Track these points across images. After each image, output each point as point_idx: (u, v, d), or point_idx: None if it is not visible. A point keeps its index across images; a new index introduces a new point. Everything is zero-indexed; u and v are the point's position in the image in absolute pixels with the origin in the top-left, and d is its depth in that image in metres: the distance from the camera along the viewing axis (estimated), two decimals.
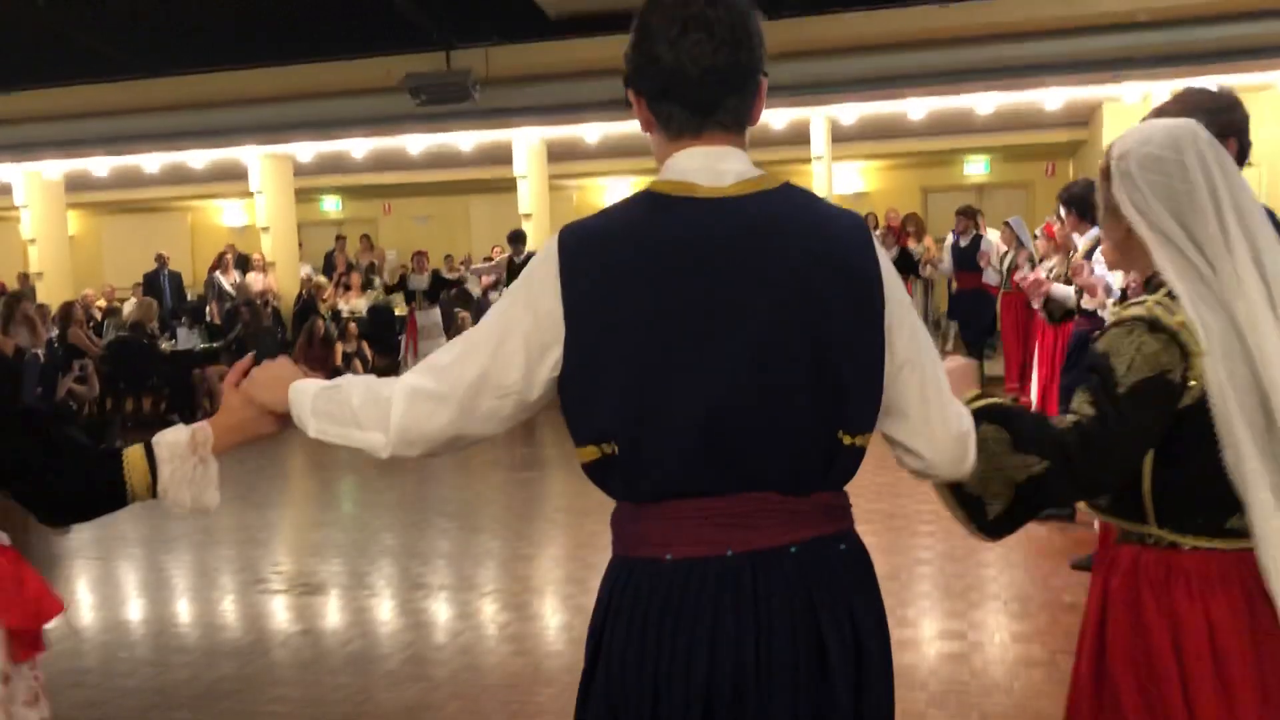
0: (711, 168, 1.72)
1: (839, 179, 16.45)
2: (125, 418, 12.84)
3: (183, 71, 14.73)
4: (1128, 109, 13.75)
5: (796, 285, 1.66)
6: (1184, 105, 2.84)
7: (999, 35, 12.76)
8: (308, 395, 1.86)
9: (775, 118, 14.59)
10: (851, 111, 14.56)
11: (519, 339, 1.69)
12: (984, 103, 13.80)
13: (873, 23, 13.34)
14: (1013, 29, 12.72)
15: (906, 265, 12.26)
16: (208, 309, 15.93)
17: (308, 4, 14.00)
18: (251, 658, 5.01)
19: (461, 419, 1.73)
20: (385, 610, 5.76)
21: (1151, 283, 2.03)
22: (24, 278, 17.08)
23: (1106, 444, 1.84)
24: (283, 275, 16.18)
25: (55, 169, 17.15)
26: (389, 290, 15.53)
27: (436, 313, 14.33)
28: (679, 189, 1.71)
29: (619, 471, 1.71)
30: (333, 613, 5.74)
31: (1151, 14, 12.34)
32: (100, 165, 16.91)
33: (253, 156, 16.06)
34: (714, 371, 1.64)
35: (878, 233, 12.75)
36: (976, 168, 18.16)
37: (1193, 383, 1.83)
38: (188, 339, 13.87)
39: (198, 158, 16.54)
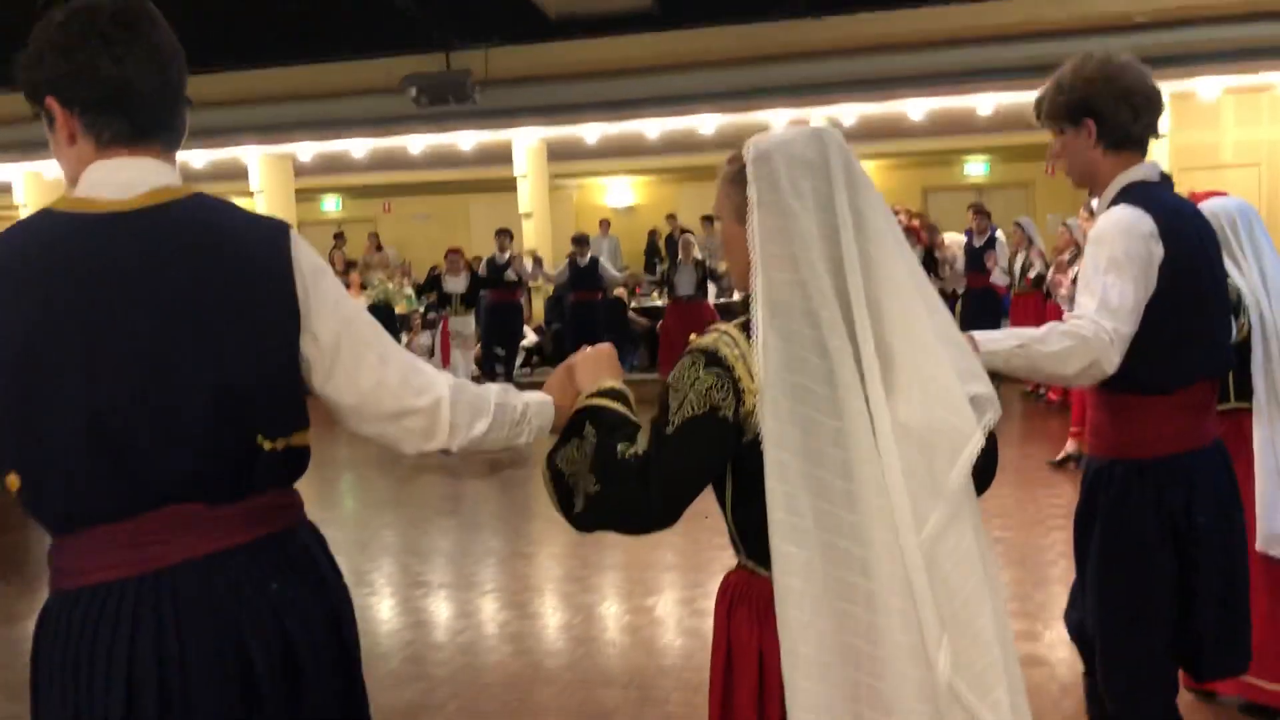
0: (124, 180, 1.71)
1: None
2: None
3: None
4: None
5: (190, 301, 1.65)
6: (1049, 81, 2.78)
7: (999, 37, 12.77)
8: None
9: (775, 119, 14.60)
10: (851, 112, 14.57)
11: None
12: (984, 103, 13.81)
13: (872, 24, 13.34)
14: (1012, 30, 12.73)
15: (929, 267, 12.16)
16: None
17: (308, 4, 14.00)
18: None
19: None
20: (385, 609, 5.76)
21: None
22: None
23: (652, 481, 1.79)
24: None
25: (54, 168, 17.13)
26: (420, 292, 14.32)
27: (472, 320, 13.01)
28: (77, 205, 1.70)
29: (29, 502, 1.67)
30: None
31: (1150, 15, 12.36)
32: None
33: (253, 156, 16.08)
34: (106, 393, 1.62)
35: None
36: (977, 168, 18.19)
37: (751, 417, 1.79)
38: None
39: (197, 157, 16.52)
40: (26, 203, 17.18)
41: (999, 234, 12.16)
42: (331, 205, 20.93)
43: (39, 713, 1.73)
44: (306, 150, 16.30)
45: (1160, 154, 13.49)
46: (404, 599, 5.89)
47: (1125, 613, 2.71)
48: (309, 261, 1.77)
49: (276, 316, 1.71)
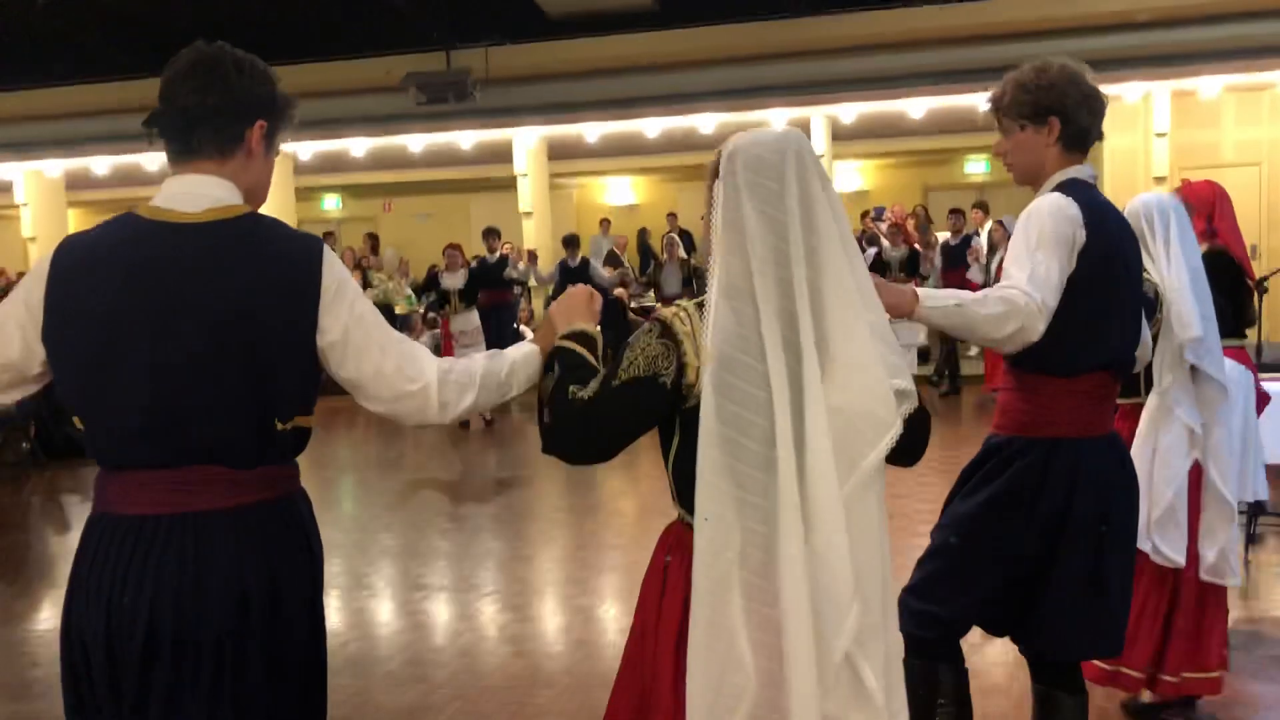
0: (190, 193, 2.11)
1: (839, 177, 16.44)
2: None
3: None
4: (1128, 108, 13.77)
5: (234, 303, 2.02)
6: (1006, 80, 2.97)
7: (998, 35, 12.76)
8: None
9: (776, 117, 14.59)
10: (851, 110, 14.56)
11: (14, 327, 2.10)
12: (984, 102, 13.78)
13: (872, 23, 13.34)
14: (1012, 29, 12.73)
15: (914, 266, 12.22)
16: None
17: (308, 3, 14.01)
18: None
19: None
20: (385, 611, 5.76)
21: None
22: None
23: (589, 424, 2.06)
24: None
25: (55, 167, 17.15)
26: (419, 291, 13.95)
27: (475, 316, 12.60)
28: (157, 214, 2.11)
29: (89, 441, 2.11)
30: (332, 614, 5.73)
31: (1151, 14, 12.36)
32: (100, 164, 16.92)
33: None
34: (155, 370, 2.01)
35: (884, 227, 12.67)
36: (977, 166, 18.17)
37: (694, 387, 2.01)
38: None
39: None
40: (27, 201, 17.18)
41: (979, 232, 12.22)
42: (332, 204, 20.91)
43: (71, 604, 2.10)
44: (306, 149, 16.29)
45: (1160, 153, 13.49)
46: (404, 602, 5.88)
47: (962, 569, 2.92)
48: (335, 273, 2.12)
49: (301, 319, 2.08)
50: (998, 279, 2.87)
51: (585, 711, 4.30)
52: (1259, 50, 12.20)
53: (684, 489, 2.08)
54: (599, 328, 2.31)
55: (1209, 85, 13.11)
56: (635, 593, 6.33)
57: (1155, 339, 3.74)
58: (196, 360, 2.01)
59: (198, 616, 2.03)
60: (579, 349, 2.21)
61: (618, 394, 2.04)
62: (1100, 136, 2.96)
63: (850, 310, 1.96)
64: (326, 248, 2.15)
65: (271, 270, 2.07)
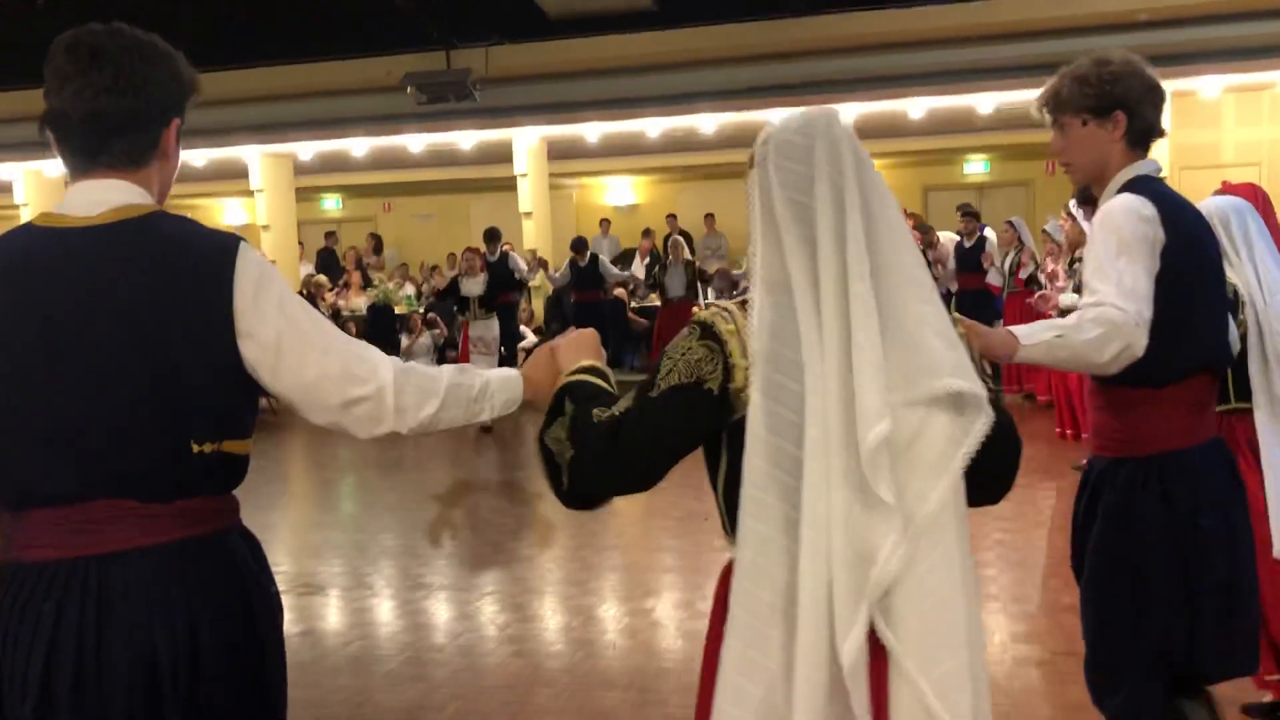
0: (89, 200, 1.86)
1: None
2: None
3: None
4: None
5: (137, 311, 1.78)
6: (1062, 75, 2.79)
7: (999, 35, 12.76)
8: None
9: (775, 117, 14.54)
10: (852, 110, 14.54)
11: None
12: (984, 102, 13.79)
13: (873, 22, 13.33)
14: (1013, 29, 12.72)
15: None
16: None
17: (308, 3, 14.00)
18: None
19: None
20: (385, 611, 5.76)
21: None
22: None
23: (624, 443, 1.81)
24: (283, 274, 16.14)
25: (55, 167, 17.15)
26: (440, 296, 13.66)
27: (495, 324, 11.98)
28: (51, 220, 1.87)
29: None
30: (332, 613, 5.74)
31: (1152, 14, 12.34)
32: None
33: (253, 155, 16.06)
34: (56, 391, 1.77)
35: None
36: (977, 167, 18.16)
37: (741, 394, 1.78)
38: None
39: (198, 156, 16.52)
40: (27, 202, 17.18)
41: (988, 232, 12.15)
42: (331, 204, 20.91)
43: None
44: (307, 149, 16.29)
45: (1160, 153, 13.48)
46: (404, 601, 5.88)
47: (1125, 617, 2.68)
48: (253, 271, 1.85)
49: (212, 325, 1.81)
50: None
51: (585, 711, 4.31)
52: (1259, 50, 12.20)
53: (734, 513, 1.79)
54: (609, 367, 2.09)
55: (1209, 85, 13.11)
56: (635, 593, 6.37)
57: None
58: (92, 376, 1.77)
59: (100, 686, 1.76)
60: (594, 380, 1.99)
61: (657, 406, 1.79)
62: (1163, 132, 2.80)
63: (898, 299, 1.73)
64: (245, 245, 1.88)
65: (173, 274, 1.80)
